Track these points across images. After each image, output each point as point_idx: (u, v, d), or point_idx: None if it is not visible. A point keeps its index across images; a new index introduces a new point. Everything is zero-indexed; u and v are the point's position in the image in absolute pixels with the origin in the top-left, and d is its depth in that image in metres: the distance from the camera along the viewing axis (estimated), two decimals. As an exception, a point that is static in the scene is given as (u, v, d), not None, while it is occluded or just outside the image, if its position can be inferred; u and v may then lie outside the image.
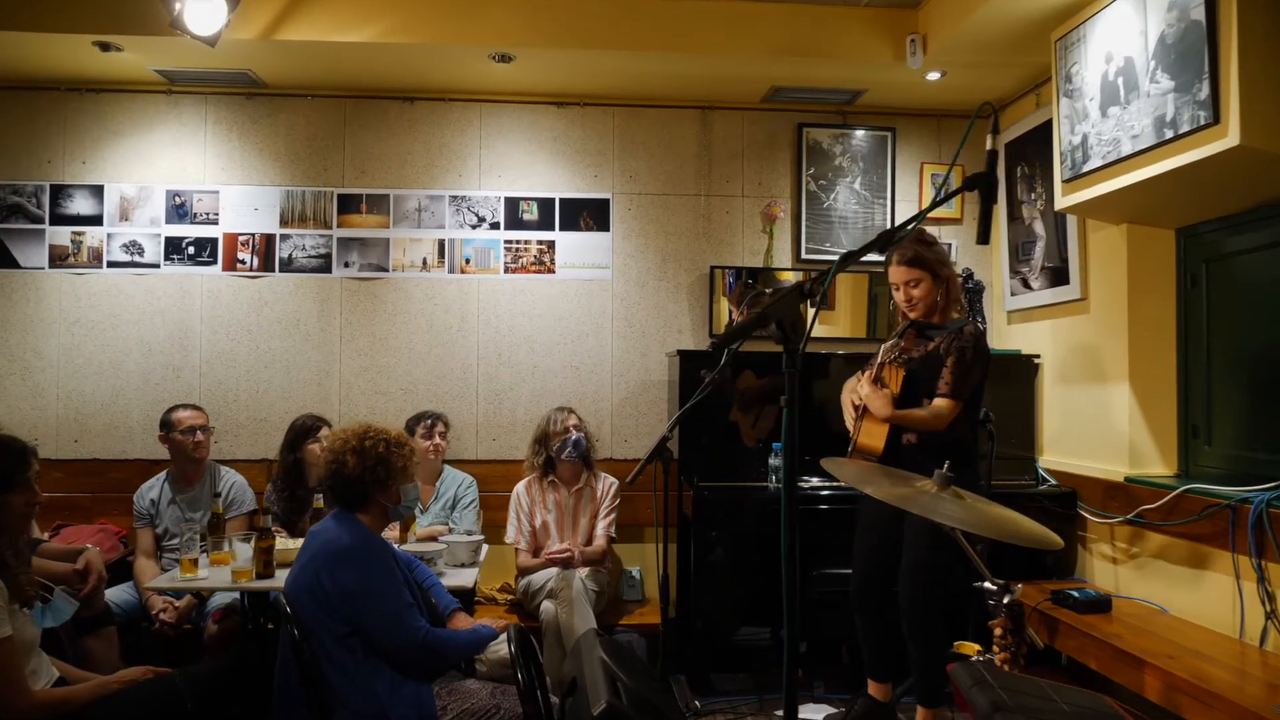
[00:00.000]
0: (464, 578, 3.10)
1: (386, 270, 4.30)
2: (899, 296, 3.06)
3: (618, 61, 3.90)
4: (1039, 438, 4.05)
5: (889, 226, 4.42)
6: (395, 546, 2.98)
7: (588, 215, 4.39)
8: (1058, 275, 3.89)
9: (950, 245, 4.34)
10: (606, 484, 3.96)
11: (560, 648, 3.42)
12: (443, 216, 4.33)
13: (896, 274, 3.01)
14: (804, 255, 4.41)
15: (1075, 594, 3.21)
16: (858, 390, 3.03)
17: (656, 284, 4.41)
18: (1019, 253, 4.19)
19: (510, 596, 3.99)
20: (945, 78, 4.00)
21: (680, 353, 4.05)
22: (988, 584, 1.90)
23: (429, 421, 3.96)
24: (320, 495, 3.16)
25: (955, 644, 2.84)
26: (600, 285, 4.38)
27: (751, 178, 4.45)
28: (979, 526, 1.71)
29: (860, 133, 4.45)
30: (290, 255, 4.27)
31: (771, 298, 1.32)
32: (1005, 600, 1.86)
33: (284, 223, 4.28)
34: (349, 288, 4.29)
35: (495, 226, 4.35)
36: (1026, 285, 4.13)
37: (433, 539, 3.57)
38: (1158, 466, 3.42)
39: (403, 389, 4.29)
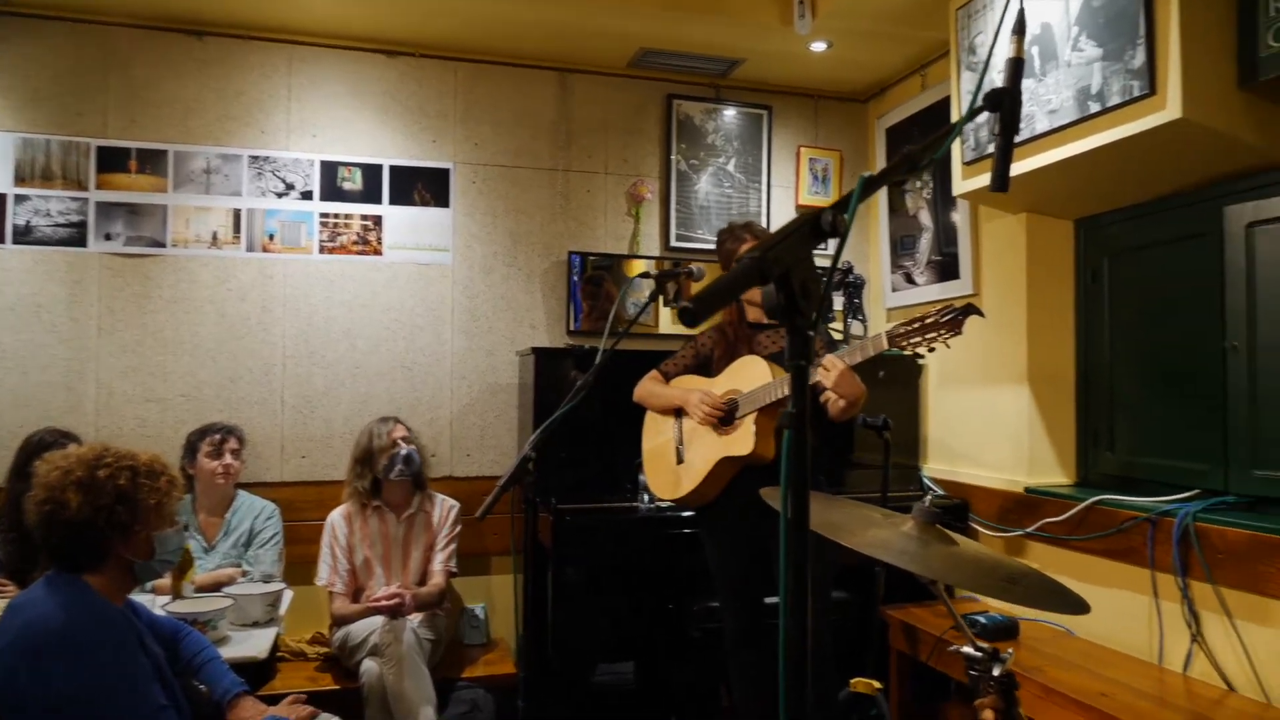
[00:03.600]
0: (258, 643, 2.38)
1: (164, 245, 3.42)
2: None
3: (459, 0, 3.26)
4: (923, 444, 3.76)
5: (764, 212, 4.02)
6: (155, 609, 2.22)
7: (423, 187, 3.69)
8: (946, 269, 3.61)
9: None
10: (444, 508, 3.29)
11: (387, 715, 2.76)
12: (239, 181, 3.50)
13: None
14: (674, 242, 3.93)
15: (982, 619, 2.87)
16: (823, 373, 2.27)
17: (505, 270, 3.77)
18: (900, 246, 3.90)
19: (324, 650, 3.23)
20: (828, 51, 3.64)
21: (535, 350, 3.45)
22: (968, 649, 1.44)
23: (217, 436, 3.16)
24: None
25: (851, 681, 2.45)
26: (438, 270, 3.70)
27: (616, 153, 3.91)
28: (985, 584, 1.24)
29: (734, 109, 4.01)
30: (28, 223, 3.31)
31: (771, 239, 0.73)
32: (995, 672, 1.41)
33: (20, 180, 3.31)
34: (111, 266, 3.38)
35: (307, 196, 3.57)
36: (910, 280, 3.83)
37: (219, 587, 2.81)
38: (1057, 475, 3.17)
39: (183, 395, 3.42)
